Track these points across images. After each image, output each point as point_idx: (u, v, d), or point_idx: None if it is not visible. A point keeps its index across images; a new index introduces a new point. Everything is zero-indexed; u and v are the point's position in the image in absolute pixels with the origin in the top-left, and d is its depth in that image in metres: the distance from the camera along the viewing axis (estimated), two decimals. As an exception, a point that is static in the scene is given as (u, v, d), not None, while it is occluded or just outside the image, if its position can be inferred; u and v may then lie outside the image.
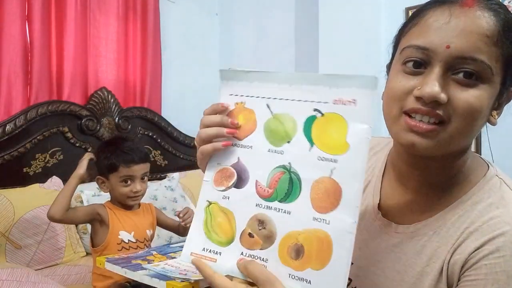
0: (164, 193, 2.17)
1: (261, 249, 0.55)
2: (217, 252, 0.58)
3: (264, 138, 0.57)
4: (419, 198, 0.62)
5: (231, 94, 0.61)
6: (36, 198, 1.74)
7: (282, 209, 0.54)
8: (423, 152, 0.55)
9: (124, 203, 1.39)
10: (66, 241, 1.77)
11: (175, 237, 1.95)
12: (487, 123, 0.58)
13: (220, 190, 0.59)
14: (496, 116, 0.58)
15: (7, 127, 1.80)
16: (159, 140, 2.53)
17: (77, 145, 2.07)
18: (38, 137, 1.91)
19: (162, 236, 1.94)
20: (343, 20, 2.37)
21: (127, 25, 2.40)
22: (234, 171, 0.59)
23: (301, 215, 0.53)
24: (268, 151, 0.57)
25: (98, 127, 2.12)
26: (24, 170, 1.87)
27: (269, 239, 0.55)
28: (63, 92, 2.09)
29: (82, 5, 2.15)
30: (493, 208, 0.55)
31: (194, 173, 2.60)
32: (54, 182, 1.87)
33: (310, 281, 0.51)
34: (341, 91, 0.53)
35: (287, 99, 0.56)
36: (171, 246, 1.21)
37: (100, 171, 1.38)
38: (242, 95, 0.60)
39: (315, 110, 0.54)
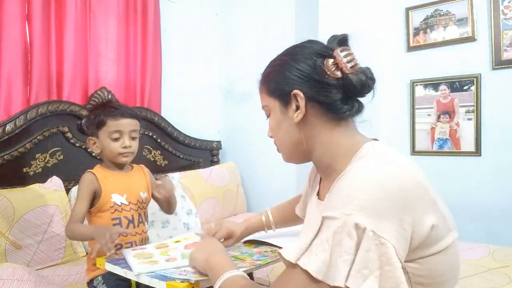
0: (164, 193, 2.17)
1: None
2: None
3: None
4: (328, 182, 0.88)
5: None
6: (36, 198, 1.74)
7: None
8: (288, 161, 0.94)
9: (116, 161, 1.39)
10: (66, 241, 1.77)
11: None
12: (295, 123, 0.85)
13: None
14: (298, 115, 0.84)
15: (7, 127, 1.80)
16: (159, 140, 2.54)
17: (77, 145, 2.07)
18: (38, 137, 1.91)
19: (162, 235, 1.94)
20: (343, 20, 2.37)
21: (127, 25, 2.40)
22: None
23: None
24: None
25: (98, 127, 2.12)
26: (24, 170, 1.87)
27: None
28: (63, 92, 2.09)
29: (82, 5, 2.15)
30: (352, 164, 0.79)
31: (194, 173, 2.60)
32: (54, 182, 1.87)
33: None
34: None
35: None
36: (171, 246, 1.21)
37: (91, 132, 1.39)
38: None
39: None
